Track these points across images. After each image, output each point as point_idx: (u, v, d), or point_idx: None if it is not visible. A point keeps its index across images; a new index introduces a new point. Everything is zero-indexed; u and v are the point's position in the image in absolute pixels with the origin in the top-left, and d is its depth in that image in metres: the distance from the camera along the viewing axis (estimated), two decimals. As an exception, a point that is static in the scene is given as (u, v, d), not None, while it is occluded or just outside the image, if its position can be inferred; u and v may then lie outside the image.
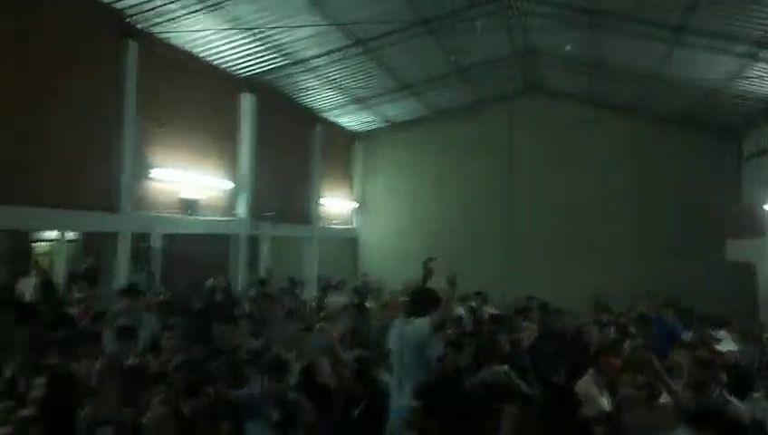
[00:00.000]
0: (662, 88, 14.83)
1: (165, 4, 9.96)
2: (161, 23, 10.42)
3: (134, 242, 11.04)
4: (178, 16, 10.34)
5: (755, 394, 5.42)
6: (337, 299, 11.95)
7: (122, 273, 10.09)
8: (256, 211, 14.01)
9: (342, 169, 19.82)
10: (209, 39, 11.48)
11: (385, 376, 5.72)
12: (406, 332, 5.45)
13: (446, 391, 4.99)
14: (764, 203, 13.12)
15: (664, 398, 4.95)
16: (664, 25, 11.30)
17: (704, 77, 12.90)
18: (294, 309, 10.13)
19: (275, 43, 12.17)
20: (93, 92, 9.60)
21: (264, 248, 15.41)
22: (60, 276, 13.52)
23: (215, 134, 12.91)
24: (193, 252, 13.71)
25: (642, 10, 11.12)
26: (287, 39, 12.12)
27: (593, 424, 4.50)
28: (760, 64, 11.68)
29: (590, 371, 5.41)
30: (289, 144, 15.97)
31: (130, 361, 5.66)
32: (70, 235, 14.40)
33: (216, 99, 12.95)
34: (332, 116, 17.90)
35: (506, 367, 5.55)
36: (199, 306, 9.77)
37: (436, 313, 5.39)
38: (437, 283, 5.88)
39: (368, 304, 10.74)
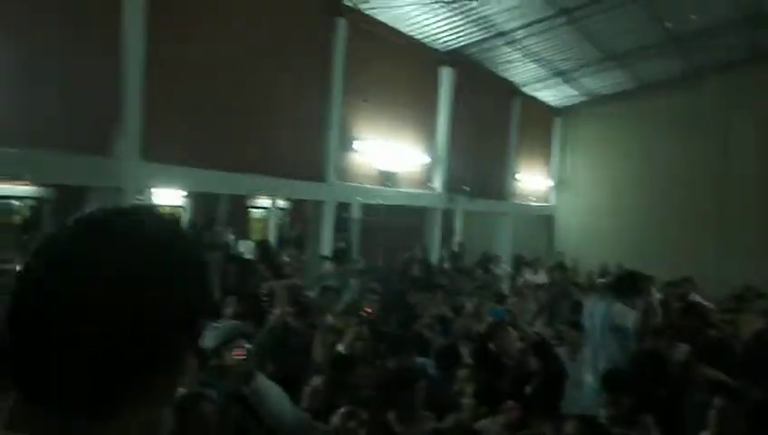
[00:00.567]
0: None
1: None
2: (369, -1, 10.80)
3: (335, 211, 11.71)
4: (386, -8, 10.64)
5: None
6: (532, 277, 11.78)
7: (327, 240, 10.73)
8: (452, 185, 14.13)
9: (540, 144, 19.27)
10: (413, 14, 11.68)
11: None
12: (608, 312, 5.22)
13: (645, 371, 4.68)
14: None
15: None
16: None
17: None
18: (487, 284, 10.14)
19: (478, 15, 12.06)
20: (305, 68, 10.22)
21: (458, 222, 15.54)
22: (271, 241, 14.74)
23: (413, 108, 13.17)
24: (388, 223, 14.21)
25: None
26: (490, 11, 11.96)
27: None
28: None
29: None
30: (486, 118, 15.84)
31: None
32: (280, 203, 15.62)
33: (416, 73, 13.18)
34: (532, 90, 17.41)
35: None
36: (396, 275, 10.11)
37: (641, 299, 5.11)
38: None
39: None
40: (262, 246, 10.74)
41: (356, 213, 14.75)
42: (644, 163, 17.86)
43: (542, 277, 11.95)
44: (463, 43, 13.29)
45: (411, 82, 13.02)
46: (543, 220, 19.59)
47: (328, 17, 10.57)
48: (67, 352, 0.72)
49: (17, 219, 10.81)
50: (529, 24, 12.86)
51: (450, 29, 12.59)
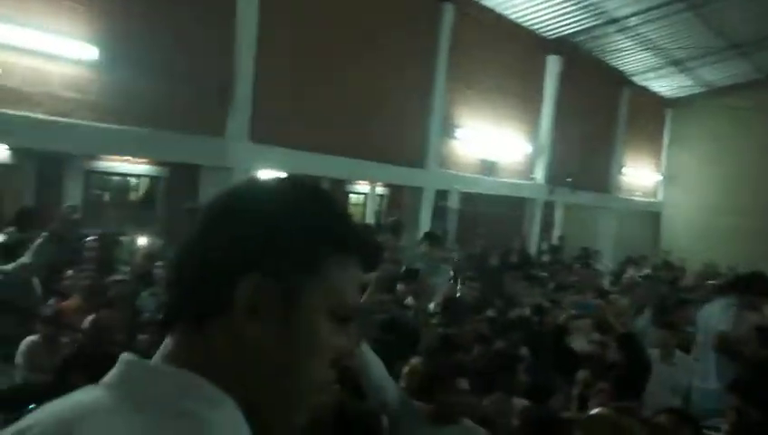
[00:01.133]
0: None
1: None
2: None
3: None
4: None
5: None
6: (634, 274, 11.32)
7: (425, 227, 10.73)
8: (554, 176, 13.78)
9: (649, 136, 18.41)
10: (522, 0, 11.43)
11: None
12: (725, 315, 4.92)
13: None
14: None
15: None
16: None
17: None
18: (586, 279, 9.85)
19: (588, 1, 11.65)
20: (409, 53, 10.21)
21: (558, 215, 15.14)
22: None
23: (517, 96, 12.90)
24: (486, 214, 14.03)
25: None
26: (602, -3, 11.54)
27: None
28: None
29: None
30: (592, 108, 15.29)
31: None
32: (379, 189, 15.75)
33: (522, 61, 12.89)
34: (642, 80, 16.64)
35: None
36: (495, 264, 9.99)
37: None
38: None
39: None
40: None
41: (454, 202, 14.67)
42: (764, 160, 16.69)
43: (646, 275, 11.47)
44: (571, 30, 12.87)
45: (516, 69, 12.76)
46: (649, 216, 18.75)
47: (434, 3, 10.51)
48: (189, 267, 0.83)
49: (135, 196, 11.45)
50: (646, 11, 12.28)
51: (559, 15, 12.21)
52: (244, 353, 0.80)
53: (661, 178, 18.85)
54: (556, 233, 14.94)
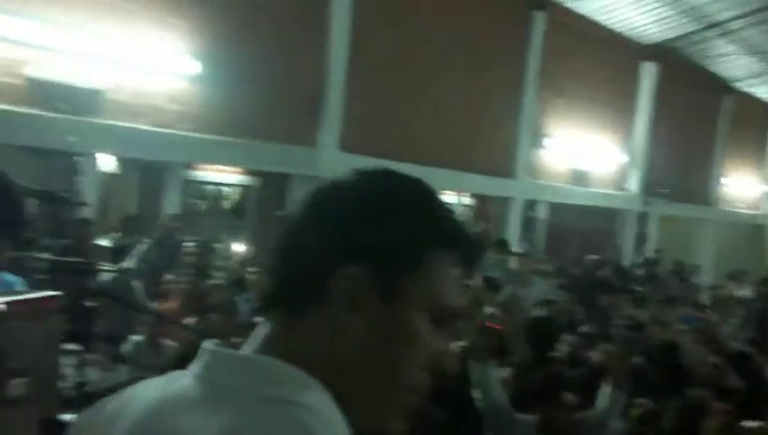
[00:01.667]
0: None
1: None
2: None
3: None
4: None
5: None
6: (737, 290, 10.73)
7: (513, 238, 10.54)
8: (648, 187, 13.25)
9: (753, 145, 17.43)
10: (616, 5, 11.10)
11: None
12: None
13: None
14: None
15: None
16: None
17: None
18: (683, 293, 9.42)
19: (687, 6, 11.18)
20: (500, 62, 10.11)
21: (653, 227, 14.55)
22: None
23: (610, 104, 12.52)
24: (577, 224, 13.63)
25: None
26: (700, 1, 11.03)
27: None
28: None
29: None
30: (691, 116, 14.62)
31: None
32: (464, 200, 15.60)
33: (615, 68, 12.51)
34: (746, 86, 15.78)
35: None
36: (586, 277, 9.68)
37: None
38: None
39: None
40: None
41: (543, 212, 14.35)
42: None
43: (747, 292, 10.84)
44: (668, 36, 12.38)
45: (609, 76, 12.39)
46: (753, 230, 17.70)
47: (525, 10, 10.36)
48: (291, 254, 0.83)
49: (227, 205, 11.83)
50: (749, 14, 11.66)
51: (655, 21, 11.79)
52: (338, 344, 0.78)
53: (766, 189, 17.78)
54: (650, 246, 14.33)
